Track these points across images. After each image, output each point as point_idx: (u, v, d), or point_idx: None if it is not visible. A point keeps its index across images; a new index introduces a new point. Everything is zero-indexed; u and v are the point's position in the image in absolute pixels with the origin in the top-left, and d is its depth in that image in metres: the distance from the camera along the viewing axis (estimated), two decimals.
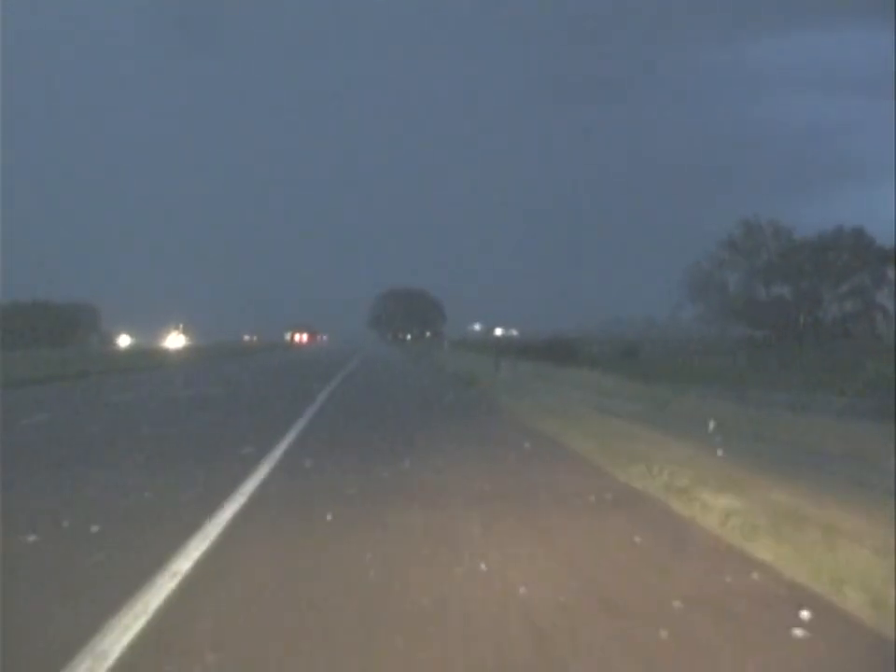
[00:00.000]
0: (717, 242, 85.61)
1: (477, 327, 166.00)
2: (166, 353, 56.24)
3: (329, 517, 6.18)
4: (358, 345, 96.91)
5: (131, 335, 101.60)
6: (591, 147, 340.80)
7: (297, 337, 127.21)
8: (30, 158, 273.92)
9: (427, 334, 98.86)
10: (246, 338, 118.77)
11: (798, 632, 3.75)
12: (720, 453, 9.26)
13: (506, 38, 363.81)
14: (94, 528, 5.87)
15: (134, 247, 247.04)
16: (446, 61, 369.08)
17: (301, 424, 12.79)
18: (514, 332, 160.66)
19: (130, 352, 52.45)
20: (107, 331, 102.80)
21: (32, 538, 5.62)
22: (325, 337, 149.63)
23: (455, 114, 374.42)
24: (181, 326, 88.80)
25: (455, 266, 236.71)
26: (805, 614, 3.97)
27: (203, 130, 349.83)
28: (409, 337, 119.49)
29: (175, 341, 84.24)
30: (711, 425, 11.42)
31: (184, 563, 4.95)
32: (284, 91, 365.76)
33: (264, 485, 7.59)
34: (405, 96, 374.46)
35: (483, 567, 4.84)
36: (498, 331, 33.85)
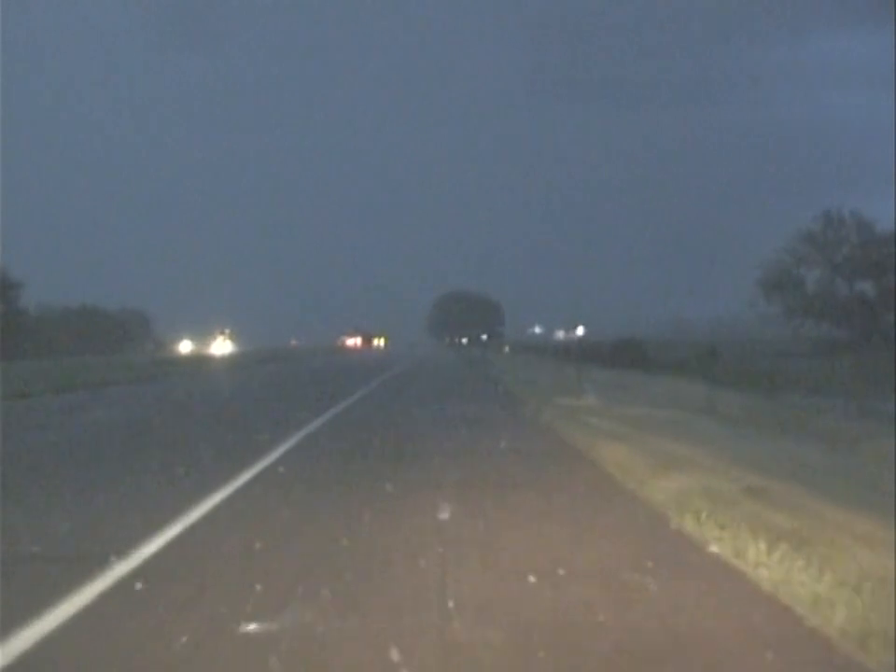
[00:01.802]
0: (794, 236, 76.75)
1: (537, 329, 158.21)
2: (202, 359, 50.31)
3: None
4: (412, 350, 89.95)
5: (191, 340, 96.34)
6: (650, 146, 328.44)
7: (349, 341, 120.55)
8: (74, 166, 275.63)
9: (484, 337, 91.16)
10: (294, 342, 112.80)
11: None
12: None
13: (569, 37, 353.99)
14: None
15: (189, 253, 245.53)
16: (503, 55, 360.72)
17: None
18: (575, 335, 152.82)
19: (157, 360, 46.64)
20: (161, 337, 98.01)
21: None
22: (381, 342, 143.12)
23: (511, 113, 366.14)
24: (227, 331, 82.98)
25: (514, 268, 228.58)
26: None
27: (257, 132, 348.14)
28: (465, 340, 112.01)
29: (220, 346, 78.48)
30: None
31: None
32: (336, 94, 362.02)
33: None
34: (466, 96, 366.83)
35: None
36: (580, 330, 23.38)
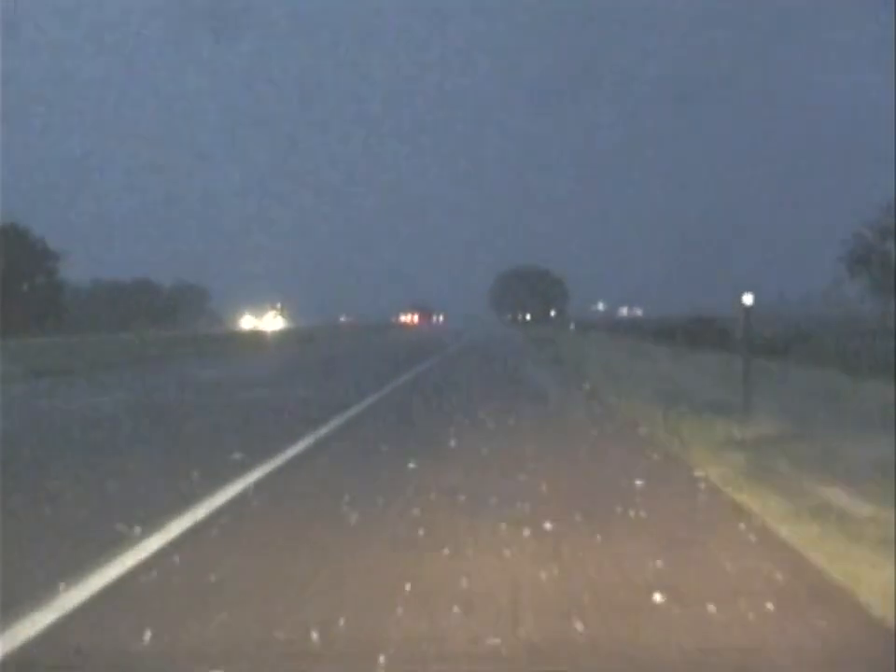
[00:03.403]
0: (881, 209, 67.54)
1: (600, 306, 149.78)
2: (239, 336, 44.65)
3: None
4: (471, 327, 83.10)
5: (251, 314, 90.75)
6: (722, 117, 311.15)
7: (404, 318, 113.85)
8: (125, 143, 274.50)
9: (552, 313, 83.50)
10: (343, 319, 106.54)
11: None
12: None
13: (629, 24, 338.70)
14: None
15: (250, 227, 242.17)
16: (556, 41, 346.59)
17: None
18: (638, 312, 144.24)
19: (184, 337, 41.19)
20: (219, 312, 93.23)
21: None
22: (441, 318, 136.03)
23: (575, 91, 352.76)
24: (279, 306, 77.42)
25: (573, 244, 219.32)
26: None
27: (312, 106, 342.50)
28: (528, 318, 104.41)
29: (271, 322, 72.99)
30: None
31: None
32: (394, 68, 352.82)
33: None
34: (527, 75, 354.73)
35: None
36: (748, 299, 12.35)
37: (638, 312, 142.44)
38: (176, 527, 4.92)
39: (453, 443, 8.09)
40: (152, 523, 4.95)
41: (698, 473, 6.50)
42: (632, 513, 5.22)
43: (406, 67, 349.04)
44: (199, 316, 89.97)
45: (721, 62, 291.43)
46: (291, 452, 7.50)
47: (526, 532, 4.82)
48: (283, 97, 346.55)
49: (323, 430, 8.84)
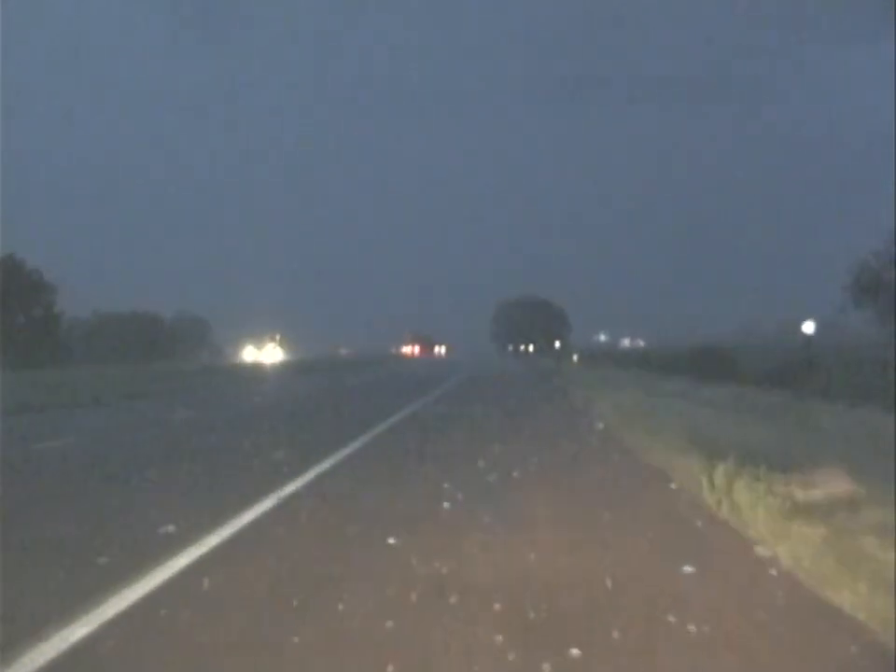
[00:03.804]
0: (887, 237, 66.35)
1: (602, 337, 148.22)
2: (220, 370, 43.13)
3: None
4: (472, 359, 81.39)
5: (252, 345, 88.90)
6: (717, 146, 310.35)
7: (405, 349, 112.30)
8: (123, 173, 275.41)
9: (557, 345, 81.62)
10: (343, 351, 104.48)
11: None
12: None
13: (630, 36, 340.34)
14: None
15: (250, 257, 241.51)
16: (553, 58, 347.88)
17: None
18: (641, 342, 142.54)
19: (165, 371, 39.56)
20: (220, 344, 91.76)
21: None
22: (443, 350, 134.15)
23: (573, 113, 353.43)
24: (277, 337, 75.69)
25: (572, 274, 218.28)
26: None
27: (312, 139, 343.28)
28: (531, 349, 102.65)
29: (270, 354, 71.29)
30: None
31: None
32: (406, 101, 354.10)
33: None
34: (528, 97, 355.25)
35: None
36: (809, 327, 11.99)
37: (640, 342, 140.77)
38: (48, 652, 3.41)
39: (447, 505, 6.58)
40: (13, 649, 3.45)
41: (762, 552, 4.99)
42: (692, 627, 3.69)
43: (404, 98, 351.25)
44: (201, 348, 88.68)
45: (730, 82, 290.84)
46: (245, 518, 5.98)
47: (546, 667, 3.30)
48: (283, 129, 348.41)
49: (290, 487, 7.32)
